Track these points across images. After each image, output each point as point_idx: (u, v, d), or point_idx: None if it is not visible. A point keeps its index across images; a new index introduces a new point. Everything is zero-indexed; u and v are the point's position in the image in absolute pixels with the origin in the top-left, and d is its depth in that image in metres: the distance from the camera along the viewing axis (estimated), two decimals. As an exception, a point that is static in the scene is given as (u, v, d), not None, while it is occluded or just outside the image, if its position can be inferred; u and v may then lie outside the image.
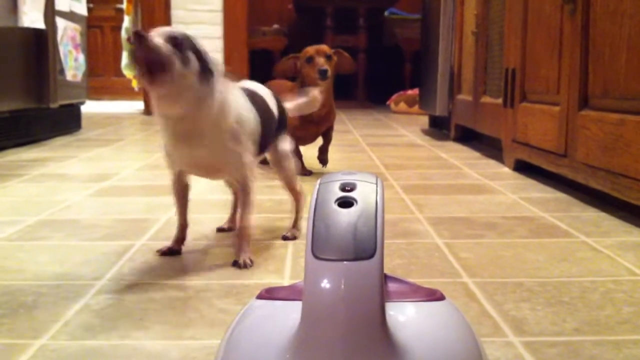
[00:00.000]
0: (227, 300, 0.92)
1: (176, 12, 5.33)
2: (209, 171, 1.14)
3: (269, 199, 1.65)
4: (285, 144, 1.28)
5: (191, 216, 1.20)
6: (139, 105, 5.02)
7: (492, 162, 2.29)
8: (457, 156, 2.47)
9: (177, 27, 1.05)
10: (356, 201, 0.50)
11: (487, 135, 2.58)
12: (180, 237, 1.17)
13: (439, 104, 3.12)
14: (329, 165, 2.14)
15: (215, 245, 1.22)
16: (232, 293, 0.95)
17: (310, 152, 2.21)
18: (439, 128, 3.50)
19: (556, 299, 0.92)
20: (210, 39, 5.33)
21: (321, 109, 2.03)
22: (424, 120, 3.94)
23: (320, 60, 1.96)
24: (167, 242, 1.17)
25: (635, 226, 1.34)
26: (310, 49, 2.00)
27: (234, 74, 1.12)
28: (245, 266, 1.08)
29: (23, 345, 0.77)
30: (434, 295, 0.54)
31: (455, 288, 0.97)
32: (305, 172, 2.05)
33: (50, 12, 2.89)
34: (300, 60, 2.01)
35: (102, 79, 6.25)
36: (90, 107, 4.27)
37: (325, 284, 0.46)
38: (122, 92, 6.15)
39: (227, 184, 1.38)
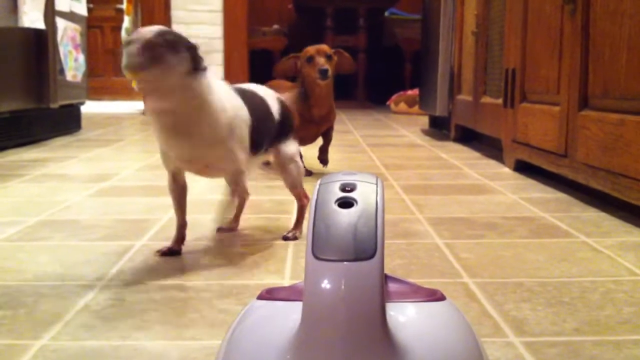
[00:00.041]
0: (228, 300, 0.92)
1: (176, 13, 5.34)
2: (202, 168, 1.14)
3: (269, 199, 1.65)
4: (290, 147, 1.28)
5: (191, 216, 1.20)
6: (139, 105, 5.02)
7: (492, 163, 2.29)
8: (457, 156, 2.47)
9: (164, 27, 1.06)
10: (356, 202, 0.50)
11: (487, 136, 2.58)
12: (180, 237, 1.17)
13: (439, 104, 3.12)
14: (329, 166, 2.14)
15: (215, 245, 1.22)
16: (233, 293, 0.95)
17: (310, 152, 2.21)
18: (439, 128, 3.50)
19: (556, 299, 0.92)
20: (210, 39, 5.33)
21: (321, 109, 2.03)
22: (424, 120, 3.94)
23: (321, 60, 1.96)
24: (167, 243, 1.17)
25: (635, 226, 1.34)
26: (311, 49, 2.00)
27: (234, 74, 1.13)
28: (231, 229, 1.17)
29: (23, 346, 0.77)
30: (435, 296, 0.54)
31: (455, 288, 0.97)
32: (306, 172, 2.05)
33: (50, 12, 2.89)
34: (300, 60, 2.00)
35: (102, 79, 6.25)
36: (90, 108, 4.27)
37: (326, 284, 0.46)
38: (122, 92, 6.14)
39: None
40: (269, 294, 0.55)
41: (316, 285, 0.47)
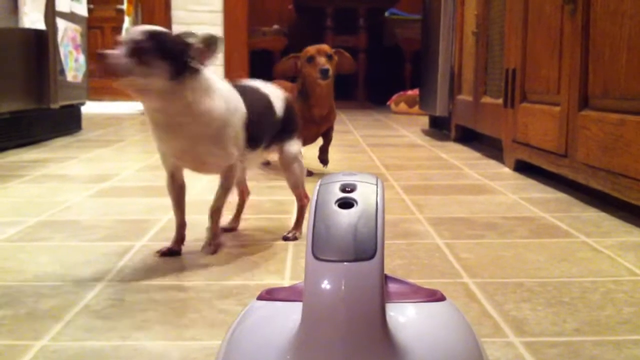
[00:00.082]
0: (228, 301, 0.92)
1: (176, 13, 5.34)
2: (197, 162, 1.14)
3: (269, 199, 1.65)
4: (294, 146, 1.28)
5: (191, 217, 1.20)
6: (139, 106, 5.02)
7: (492, 163, 2.29)
8: (457, 156, 2.47)
9: (156, 26, 1.06)
10: (356, 202, 0.50)
11: (487, 136, 2.58)
12: (180, 238, 1.17)
13: (439, 105, 3.12)
14: (330, 166, 2.14)
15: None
16: (233, 294, 0.95)
17: (310, 152, 2.21)
18: (439, 128, 3.50)
19: (557, 299, 0.92)
20: (211, 39, 5.32)
21: (322, 109, 2.03)
22: (424, 120, 3.94)
23: (322, 60, 1.96)
24: (167, 243, 1.17)
25: (635, 226, 1.34)
26: (311, 49, 2.00)
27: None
28: (210, 253, 1.15)
29: (24, 347, 0.77)
30: (435, 296, 0.54)
31: (455, 288, 0.97)
32: (306, 172, 2.05)
33: (50, 12, 2.89)
34: (301, 60, 2.00)
35: (102, 79, 6.25)
36: (90, 108, 4.27)
37: (326, 284, 0.46)
38: (123, 93, 6.13)
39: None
40: (269, 295, 0.55)
41: (316, 286, 0.47)
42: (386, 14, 5.74)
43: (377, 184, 0.52)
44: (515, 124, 2.06)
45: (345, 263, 0.47)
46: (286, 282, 1.01)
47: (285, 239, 1.26)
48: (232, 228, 1.34)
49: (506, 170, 2.12)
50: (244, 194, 1.38)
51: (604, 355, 0.74)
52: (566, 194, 1.69)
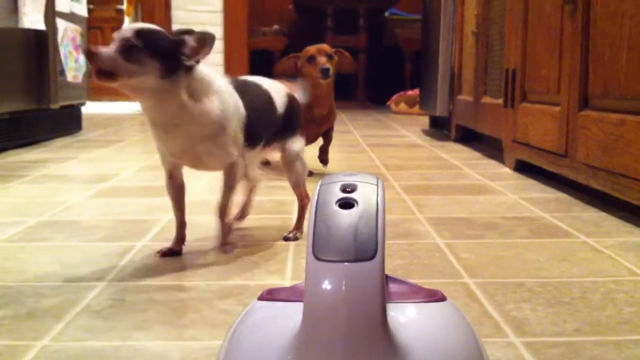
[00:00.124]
0: (228, 301, 0.92)
1: (177, 13, 5.34)
2: (196, 161, 1.14)
3: (270, 199, 1.65)
4: (296, 144, 1.28)
5: (191, 217, 1.20)
6: (139, 106, 5.02)
7: (492, 163, 2.29)
8: (457, 156, 2.47)
9: (149, 24, 1.05)
10: (357, 202, 0.50)
11: (487, 136, 2.58)
12: (180, 238, 1.17)
13: (439, 105, 3.12)
14: (330, 166, 2.14)
15: (216, 245, 1.22)
16: (233, 294, 0.95)
17: (310, 152, 2.21)
18: (439, 128, 3.50)
19: (557, 300, 0.92)
20: (211, 39, 5.32)
21: (322, 109, 2.03)
22: (425, 120, 3.94)
23: (322, 59, 1.96)
24: (167, 243, 1.17)
25: (635, 226, 1.34)
26: (312, 48, 2.00)
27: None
28: (225, 252, 1.15)
29: (24, 347, 0.77)
30: (435, 296, 0.54)
31: (456, 289, 0.97)
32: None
33: (50, 13, 2.89)
34: (301, 59, 2.00)
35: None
36: (90, 108, 4.27)
37: (327, 285, 0.46)
38: (123, 93, 6.13)
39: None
40: (270, 295, 0.55)
41: (317, 286, 0.47)
42: (386, 14, 5.74)
43: (377, 184, 0.52)
44: (516, 124, 2.06)
45: (345, 263, 0.47)
46: (287, 283, 1.01)
47: (286, 239, 1.26)
48: (240, 217, 1.35)
49: (506, 170, 2.12)
50: (252, 184, 1.38)
51: (605, 355, 0.74)
52: (566, 194, 1.69)
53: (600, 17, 1.47)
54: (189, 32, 1.04)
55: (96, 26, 5.97)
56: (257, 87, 1.21)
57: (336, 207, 0.50)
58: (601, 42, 1.47)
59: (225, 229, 1.17)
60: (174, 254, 1.15)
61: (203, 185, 1.74)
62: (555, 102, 1.74)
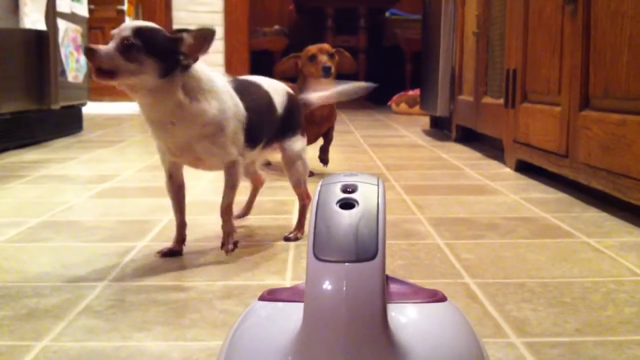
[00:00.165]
0: (229, 301, 0.92)
1: (177, 14, 5.34)
2: (195, 160, 1.13)
3: (270, 200, 1.65)
4: (297, 143, 1.27)
5: (191, 217, 1.20)
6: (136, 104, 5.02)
7: (493, 163, 2.29)
8: (458, 157, 2.47)
9: (147, 22, 1.05)
10: (357, 203, 0.50)
11: (488, 136, 2.57)
12: (181, 238, 1.17)
13: (440, 105, 3.12)
14: (330, 166, 2.14)
15: (217, 246, 1.22)
16: (234, 294, 0.95)
17: (311, 152, 2.21)
18: (440, 129, 3.50)
19: (558, 300, 0.92)
20: (211, 40, 5.32)
21: (322, 109, 2.03)
22: (425, 120, 3.94)
23: (323, 58, 1.96)
24: (168, 244, 1.17)
25: (636, 226, 1.34)
26: (313, 48, 2.00)
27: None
28: (228, 251, 1.14)
29: (25, 347, 0.77)
30: (436, 297, 0.54)
31: (456, 289, 0.97)
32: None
33: (51, 13, 2.90)
34: (302, 58, 2.00)
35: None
36: (91, 109, 4.27)
37: (327, 285, 0.46)
38: (123, 93, 6.12)
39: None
40: (271, 295, 0.55)
41: (317, 286, 0.47)
42: (386, 14, 5.75)
43: (378, 185, 0.52)
44: (516, 124, 2.06)
45: (346, 264, 0.47)
46: (287, 283, 1.01)
47: (287, 239, 1.26)
48: (243, 214, 1.34)
49: (507, 170, 2.12)
50: (257, 182, 1.38)
51: (605, 355, 0.74)
52: (567, 194, 1.68)
53: (600, 17, 1.47)
54: (185, 30, 1.03)
55: (97, 26, 5.97)
56: (257, 87, 1.21)
57: (337, 208, 0.50)
58: (602, 43, 1.47)
59: (229, 228, 1.16)
60: (174, 254, 1.15)
61: (203, 186, 1.74)
62: (556, 102, 1.74)
